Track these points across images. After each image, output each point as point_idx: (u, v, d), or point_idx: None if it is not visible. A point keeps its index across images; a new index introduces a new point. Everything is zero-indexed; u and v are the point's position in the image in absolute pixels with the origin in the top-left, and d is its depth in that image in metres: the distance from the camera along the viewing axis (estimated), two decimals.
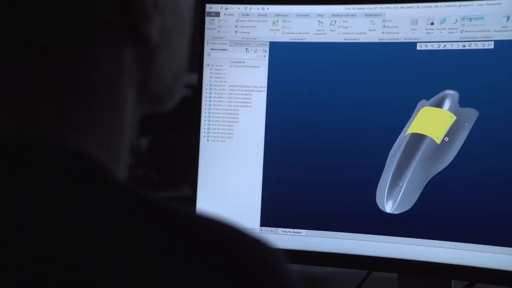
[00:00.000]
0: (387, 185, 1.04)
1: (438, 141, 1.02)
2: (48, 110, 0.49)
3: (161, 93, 0.56)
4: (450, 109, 1.03)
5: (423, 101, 1.04)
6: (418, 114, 1.04)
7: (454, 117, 1.02)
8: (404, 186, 1.03)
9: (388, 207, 1.03)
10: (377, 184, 1.04)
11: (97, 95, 0.51)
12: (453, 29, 1.02)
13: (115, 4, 0.50)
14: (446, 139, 1.02)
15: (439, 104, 1.04)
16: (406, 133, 1.04)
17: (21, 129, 0.49)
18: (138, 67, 0.53)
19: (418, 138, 1.03)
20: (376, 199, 1.04)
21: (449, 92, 1.03)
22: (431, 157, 1.02)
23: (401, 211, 1.03)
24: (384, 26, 1.05)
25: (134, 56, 0.52)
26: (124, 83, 0.52)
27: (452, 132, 1.02)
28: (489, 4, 1.00)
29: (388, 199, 1.03)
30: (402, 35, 1.05)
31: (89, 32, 0.50)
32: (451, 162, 1.01)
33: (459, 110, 1.02)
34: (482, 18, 1.00)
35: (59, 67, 0.50)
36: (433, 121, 1.03)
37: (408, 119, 1.04)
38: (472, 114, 1.01)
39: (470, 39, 1.01)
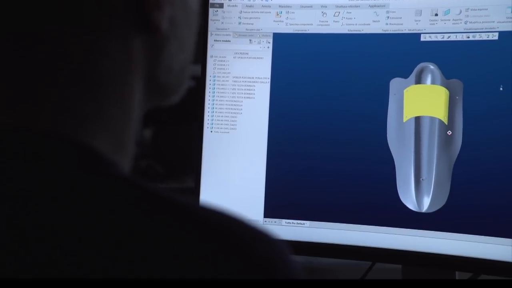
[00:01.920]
0: (412, 180, 1.00)
1: (446, 121, 0.99)
2: (54, 100, 0.49)
3: (168, 85, 0.56)
4: (437, 84, 1.00)
5: (397, 79, 1.02)
6: (406, 95, 1.02)
7: (448, 92, 1.00)
8: (433, 179, 0.99)
9: (423, 206, 1.00)
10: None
11: (105, 84, 0.51)
12: (457, 20, 1.02)
13: None
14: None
15: (419, 80, 1.01)
16: (405, 119, 1.02)
17: (26, 119, 0.49)
18: (147, 57, 0.53)
19: (427, 122, 1.01)
20: (402, 199, 1.01)
21: (425, 64, 1.01)
22: (446, 141, 0.99)
23: (437, 209, 0.99)
24: (388, 17, 1.05)
25: (143, 46, 0.52)
26: (133, 73, 0.52)
27: (451, 110, 1.00)
28: None
29: (418, 196, 1.00)
30: (406, 26, 1.04)
31: (99, 20, 0.50)
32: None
33: (447, 83, 1.00)
34: (486, 9, 1.00)
35: (67, 56, 0.49)
36: (428, 100, 1.00)
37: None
38: (459, 86, 0.99)
39: (474, 30, 1.01)
